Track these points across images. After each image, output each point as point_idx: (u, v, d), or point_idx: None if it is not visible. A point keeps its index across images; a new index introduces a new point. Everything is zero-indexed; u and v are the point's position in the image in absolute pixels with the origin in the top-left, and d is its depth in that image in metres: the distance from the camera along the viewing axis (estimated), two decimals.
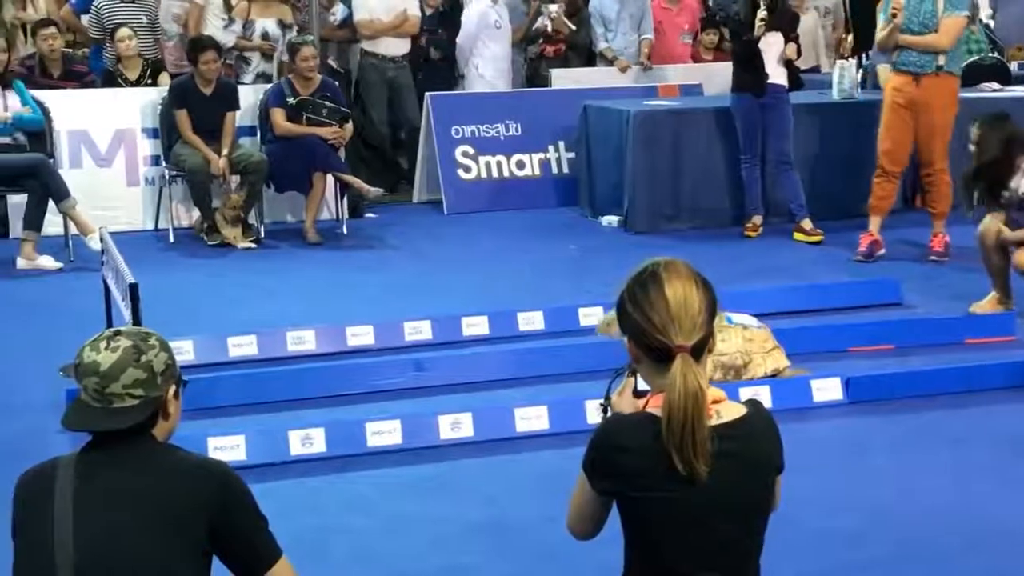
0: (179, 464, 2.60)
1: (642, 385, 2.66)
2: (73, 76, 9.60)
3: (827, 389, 5.59)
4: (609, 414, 2.67)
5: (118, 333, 2.66)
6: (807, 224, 8.94)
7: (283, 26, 10.09)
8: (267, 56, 10.09)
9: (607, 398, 2.72)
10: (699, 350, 2.44)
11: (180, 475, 2.57)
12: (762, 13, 8.69)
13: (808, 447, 4.88)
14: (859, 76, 9.97)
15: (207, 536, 2.54)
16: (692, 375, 2.39)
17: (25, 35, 10.32)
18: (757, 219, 9.14)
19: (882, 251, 8.34)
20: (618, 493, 2.46)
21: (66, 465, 2.58)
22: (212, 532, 2.55)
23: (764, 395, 5.42)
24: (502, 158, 10.37)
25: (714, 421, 2.42)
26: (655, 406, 2.45)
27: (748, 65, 8.89)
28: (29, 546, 2.54)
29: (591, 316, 6.52)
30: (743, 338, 5.74)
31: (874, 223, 8.39)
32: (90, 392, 2.60)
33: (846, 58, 10.48)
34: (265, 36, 10.04)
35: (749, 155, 9.08)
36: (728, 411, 2.47)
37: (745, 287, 7.08)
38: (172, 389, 2.67)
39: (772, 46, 8.83)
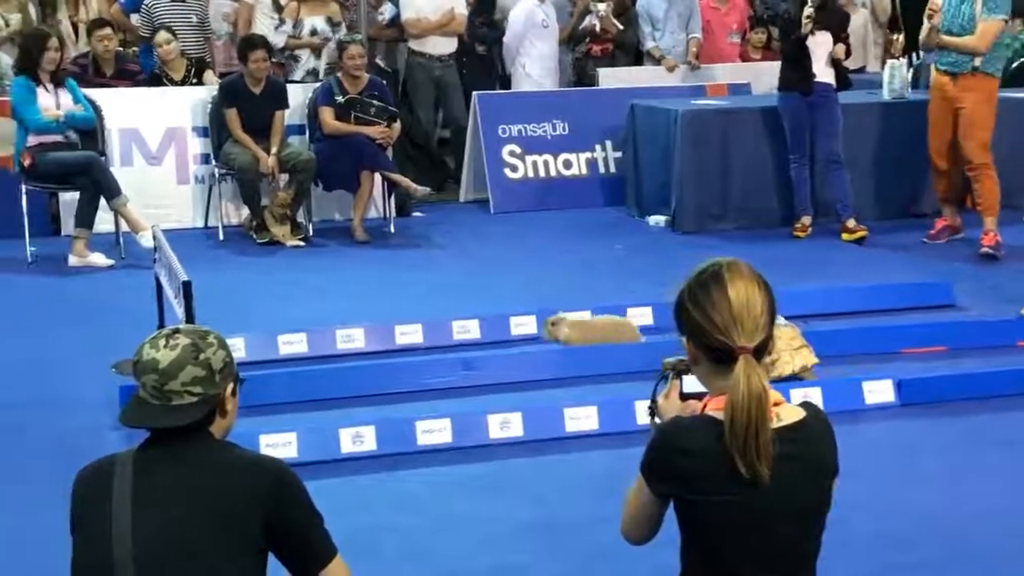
0: (236, 461, 2.61)
1: (687, 387, 2.66)
2: (125, 75, 9.68)
3: (879, 391, 5.56)
4: (656, 418, 2.67)
5: (177, 331, 2.68)
6: (851, 223, 8.90)
7: (332, 23, 10.14)
8: (316, 52, 10.14)
9: (653, 401, 2.72)
10: (760, 352, 2.43)
11: (237, 471, 2.58)
12: (808, 10, 8.66)
13: (860, 450, 4.84)
14: (910, 76, 9.89)
15: (263, 532, 2.56)
16: (756, 376, 2.38)
17: (76, 35, 10.41)
18: (806, 219, 9.08)
19: (959, 235, 8.61)
20: (678, 496, 2.45)
21: (124, 461, 2.60)
22: (268, 528, 2.56)
23: (815, 397, 5.38)
24: (549, 157, 10.37)
25: (775, 424, 2.41)
26: (715, 408, 2.44)
27: (795, 64, 8.85)
28: (87, 541, 2.57)
29: (639, 316, 6.51)
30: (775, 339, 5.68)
31: (946, 211, 8.72)
32: (149, 389, 2.61)
33: (897, 58, 10.40)
34: (314, 33, 10.10)
35: (797, 155, 9.03)
36: (788, 414, 2.46)
37: (795, 288, 7.02)
38: (230, 387, 2.68)
39: (820, 45, 8.79)
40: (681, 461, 2.42)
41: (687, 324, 2.50)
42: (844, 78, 9.02)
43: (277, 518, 2.57)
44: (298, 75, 10.07)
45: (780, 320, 5.84)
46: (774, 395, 2.45)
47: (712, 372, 2.49)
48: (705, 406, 2.51)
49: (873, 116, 9.55)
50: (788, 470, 2.39)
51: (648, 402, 2.74)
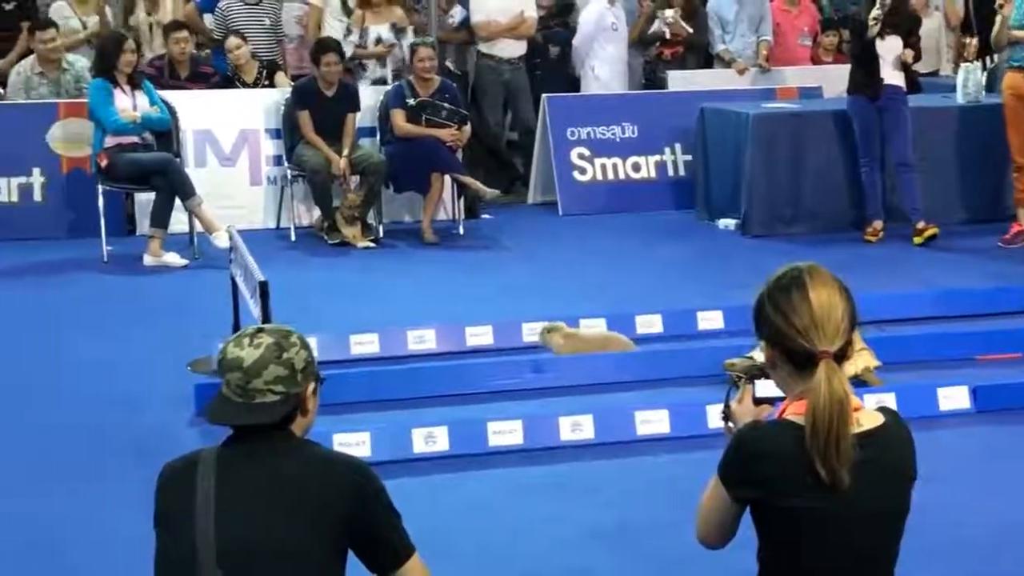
0: (316, 459, 2.64)
1: (760, 392, 2.66)
2: (200, 77, 9.80)
3: (954, 397, 5.50)
4: (730, 423, 2.67)
5: (261, 330, 2.71)
6: (920, 224, 8.82)
7: (396, 30, 10.18)
8: (382, 61, 10.20)
9: (727, 406, 2.72)
10: (840, 357, 2.43)
11: (318, 469, 2.61)
12: (875, 12, 8.58)
13: (936, 456, 4.76)
14: (984, 79, 9.78)
15: (344, 529, 2.59)
16: (838, 381, 2.37)
17: (152, 35, 10.49)
18: (878, 224, 8.99)
19: None
20: (756, 500, 2.45)
21: (207, 458, 2.63)
22: (348, 525, 2.59)
23: (889, 402, 5.33)
24: (618, 160, 10.36)
25: (855, 429, 2.40)
26: (795, 413, 2.44)
27: (864, 67, 8.77)
28: (171, 538, 2.60)
29: (710, 320, 6.49)
30: None
31: (1021, 215, 8.61)
32: (233, 387, 2.64)
33: (970, 61, 10.28)
34: (379, 42, 10.14)
35: (868, 158, 8.95)
36: (868, 419, 2.45)
37: (868, 292, 6.94)
38: (311, 386, 2.71)
39: (890, 49, 8.70)
40: (761, 465, 2.42)
41: (767, 328, 2.50)
42: (913, 82, 8.94)
43: (358, 515, 2.60)
44: (364, 84, 10.12)
45: None
46: (854, 400, 2.44)
47: (791, 376, 2.49)
48: (784, 410, 2.51)
49: (947, 120, 9.45)
50: (868, 475, 2.39)
51: (722, 407, 2.74)
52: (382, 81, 10.14)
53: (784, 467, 2.39)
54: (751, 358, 5.63)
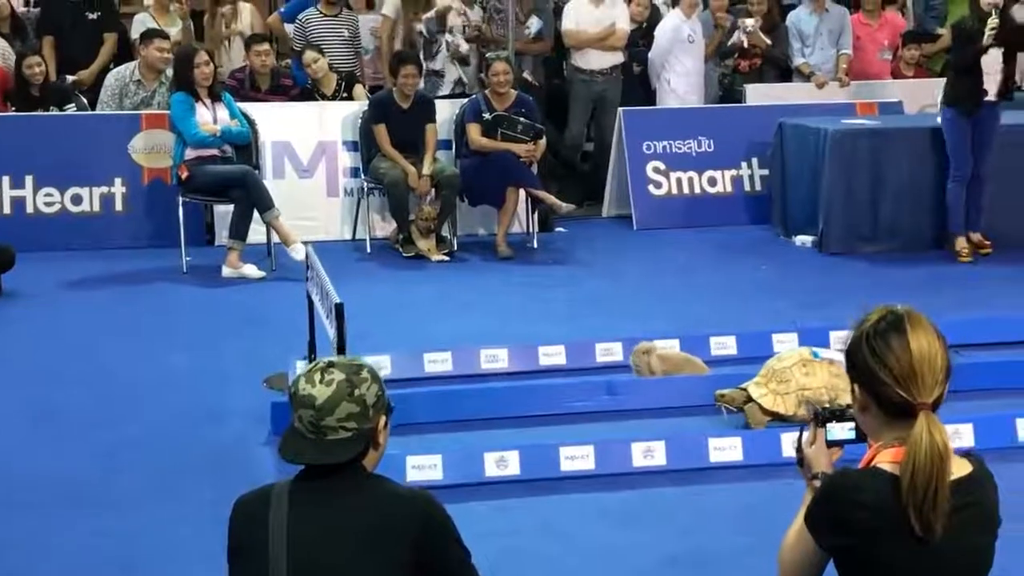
0: (388, 496, 2.66)
1: (832, 435, 2.64)
2: (280, 90, 9.89)
3: None
4: (803, 467, 2.65)
5: (332, 364, 2.72)
6: (976, 236, 8.80)
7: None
8: (457, 61, 10.20)
9: (799, 450, 2.70)
10: (936, 405, 2.40)
11: (389, 506, 2.63)
12: (993, 22, 8.38)
13: (1017, 490, 4.70)
14: None
15: (412, 561, 2.60)
16: (939, 434, 2.35)
17: (229, 46, 10.59)
18: (962, 241, 8.84)
19: None
20: (846, 549, 2.42)
21: (279, 494, 2.66)
22: (418, 562, 2.61)
23: (966, 433, 5.27)
24: (693, 174, 10.31)
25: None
26: (887, 461, 2.41)
27: (967, 79, 8.57)
28: (244, 573, 2.64)
29: (785, 343, 6.42)
30: (830, 373, 5.53)
31: None
32: (305, 423, 2.67)
33: None
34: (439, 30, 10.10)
35: (959, 173, 8.75)
36: (956, 467, 2.42)
37: (941, 317, 6.77)
38: (382, 420, 2.73)
39: (992, 62, 8.53)
40: (854, 515, 2.38)
41: (862, 372, 2.46)
42: (1010, 92, 8.75)
43: (428, 552, 2.62)
44: (445, 90, 10.16)
45: (840, 357, 5.66)
46: None
47: (884, 423, 2.46)
48: (873, 457, 2.47)
49: None
50: (958, 524, 2.37)
51: (794, 449, 2.73)
52: (462, 84, 10.15)
53: (877, 517, 2.36)
54: (744, 389, 5.58)
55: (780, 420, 5.45)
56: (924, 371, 2.39)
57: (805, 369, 5.54)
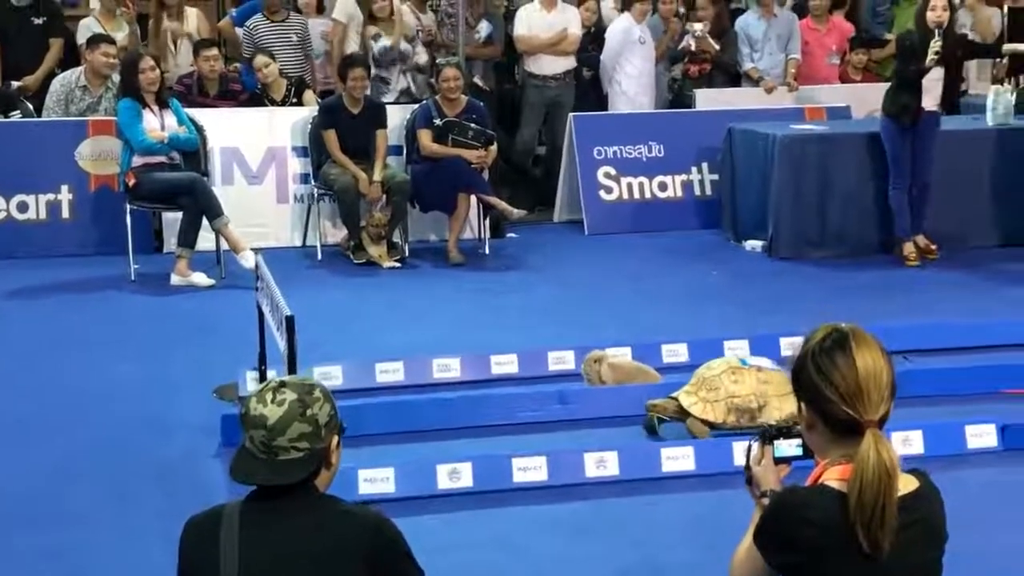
0: (338, 515, 2.65)
1: (779, 452, 2.65)
2: (229, 95, 9.82)
3: (982, 435, 5.44)
4: (752, 485, 2.66)
5: (283, 384, 2.71)
6: (921, 239, 8.90)
7: (408, 40, 10.19)
8: (405, 73, 10.19)
9: (747, 467, 2.70)
10: (882, 422, 2.41)
11: (340, 526, 2.62)
12: (936, 45, 8.45)
13: (964, 497, 4.74)
14: (1014, 101, 9.70)
15: None
16: (886, 451, 2.36)
17: (176, 50, 10.45)
18: (909, 246, 8.92)
19: None
20: (796, 566, 2.43)
21: (230, 515, 2.65)
22: None
23: (916, 440, 5.31)
24: (644, 179, 10.34)
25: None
26: (834, 479, 2.42)
27: (906, 92, 8.64)
28: None
29: (737, 350, 6.45)
30: (758, 380, 5.55)
31: None
32: (257, 443, 2.65)
33: (1001, 82, 10.21)
34: (395, 58, 10.15)
35: (899, 181, 8.86)
36: (903, 483, 2.43)
37: (890, 323, 6.82)
38: (335, 440, 2.73)
39: (935, 77, 8.62)
40: (802, 533, 2.40)
41: (808, 390, 2.47)
42: (954, 104, 8.85)
43: (380, 568, 2.62)
44: (390, 97, 10.13)
45: (769, 364, 5.74)
46: None
47: (831, 440, 2.47)
48: (820, 475, 2.48)
49: (976, 143, 9.39)
50: (905, 541, 2.38)
51: (743, 467, 2.73)
52: (408, 93, 10.15)
53: (825, 535, 2.38)
54: (675, 398, 5.60)
55: (712, 428, 5.47)
56: (870, 388, 2.40)
57: (734, 377, 5.56)
